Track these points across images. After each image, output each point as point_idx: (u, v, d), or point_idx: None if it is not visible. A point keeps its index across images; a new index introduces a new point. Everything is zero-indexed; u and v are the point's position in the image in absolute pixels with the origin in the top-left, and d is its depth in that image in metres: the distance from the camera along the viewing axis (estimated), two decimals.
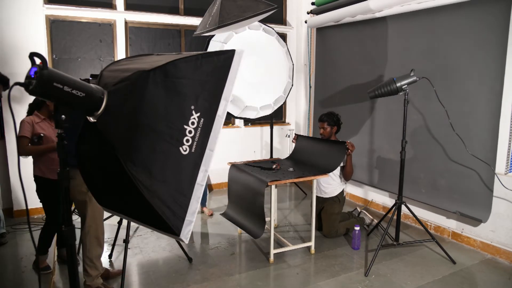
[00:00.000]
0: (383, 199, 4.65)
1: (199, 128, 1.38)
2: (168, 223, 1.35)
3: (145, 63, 1.44)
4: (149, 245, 3.61)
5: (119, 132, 1.32)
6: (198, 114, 1.38)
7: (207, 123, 1.40)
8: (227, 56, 1.43)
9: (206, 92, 1.41)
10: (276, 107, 5.31)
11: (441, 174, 3.75)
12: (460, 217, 3.68)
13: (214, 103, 1.41)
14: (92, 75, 3.42)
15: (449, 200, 3.68)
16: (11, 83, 2.92)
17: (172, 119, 1.35)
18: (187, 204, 1.38)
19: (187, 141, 1.36)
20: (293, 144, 4.11)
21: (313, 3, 5.40)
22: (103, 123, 1.32)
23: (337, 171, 3.77)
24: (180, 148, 1.36)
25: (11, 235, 3.87)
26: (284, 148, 6.16)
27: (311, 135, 5.89)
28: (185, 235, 1.39)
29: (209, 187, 5.62)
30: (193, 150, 1.38)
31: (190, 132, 1.36)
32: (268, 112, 5.25)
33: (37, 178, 2.91)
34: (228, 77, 1.43)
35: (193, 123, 1.37)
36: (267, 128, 5.80)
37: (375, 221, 3.98)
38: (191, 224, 1.39)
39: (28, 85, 1.14)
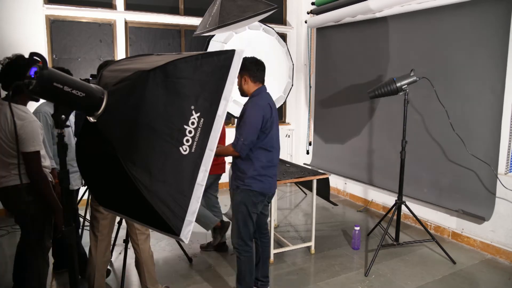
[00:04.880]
0: (383, 199, 4.65)
1: (199, 128, 1.38)
2: (168, 223, 1.35)
3: (145, 63, 1.44)
4: None
5: (119, 132, 1.32)
6: (198, 114, 1.38)
7: (207, 123, 1.39)
8: (227, 56, 1.43)
9: (206, 92, 1.40)
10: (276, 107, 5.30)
11: (443, 173, 3.75)
12: (460, 217, 3.68)
13: (214, 103, 1.41)
14: (92, 75, 3.41)
15: (451, 199, 3.68)
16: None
17: (172, 119, 1.35)
18: (187, 204, 1.38)
19: (187, 141, 1.36)
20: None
21: (313, 3, 5.40)
22: (103, 123, 1.32)
23: None
24: (180, 148, 1.35)
25: (11, 235, 3.88)
26: (284, 148, 6.16)
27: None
28: (185, 235, 1.38)
29: None
30: (193, 150, 1.37)
31: (190, 132, 1.36)
32: None
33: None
34: (228, 77, 1.42)
35: (193, 123, 1.37)
36: None
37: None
38: (191, 224, 1.39)
39: (28, 85, 1.14)
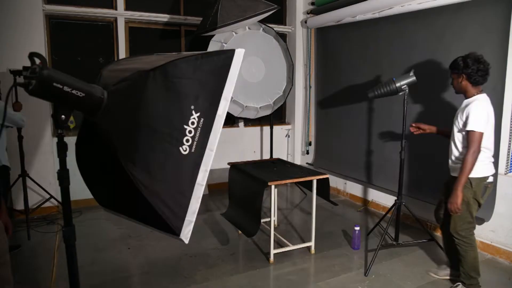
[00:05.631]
0: (383, 199, 4.65)
1: (199, 128, 1.38)
2: (168, 223, 1.35)
3: (145, 63, 1.44)
4: (149, 245, 3.61)
5: (119, 132, 1.32)
6: (198, 114, 1.38)
7: (207, 123, 1.40)
8: (227, 56, 1.43)
9: (206, 92, 1.40)
10: (276, 107, 5.31)
11: (443, 173, 3.74)
12: None
13: (214, 103, 1.41)
14: (24, 67, 3.14)
15: None
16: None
17: (172, 119, 1.35)
18: (187, 204, 1.38)
19: (187, 141, 1.36)
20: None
21: (313, 3, 5.40)
22: (103, 123, 1.32)
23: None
24: (180, 148, 1.36)
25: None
26: (284, 148, 6.16)
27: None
28: (185, 235, 1.38)
29: (209, 187, 5.61)
30: (193, 150, 1.38)
31: (190, 132, 1.36)
32: (268, 112, 5.25)
33: None
34: (228, 77, 1.42)
35: (193, 123, 1.37)
36: (267, 128, 5.80)
37: None
38: (191, 224, 1.39)
39: (27, 85, 1.14)
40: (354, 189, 5.13)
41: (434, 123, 3.81)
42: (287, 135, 6.14)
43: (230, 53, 1.43)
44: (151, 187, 1.32)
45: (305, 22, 5.60)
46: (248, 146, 5.84)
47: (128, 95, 1.32)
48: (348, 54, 4.96)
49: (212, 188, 5.55)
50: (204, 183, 1.41)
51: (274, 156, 5.43)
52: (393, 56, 4.27)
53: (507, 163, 3.29)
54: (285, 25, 6.05)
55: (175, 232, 1.37)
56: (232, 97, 4.92)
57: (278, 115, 6.13)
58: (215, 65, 1.42)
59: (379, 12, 4.25)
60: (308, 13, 5.57)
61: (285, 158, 6.15)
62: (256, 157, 5.86)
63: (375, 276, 3.04)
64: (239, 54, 1.43)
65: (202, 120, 1.38)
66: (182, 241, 1.37)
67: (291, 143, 6.13)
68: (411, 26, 4.01)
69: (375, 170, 4.61)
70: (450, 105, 3.55)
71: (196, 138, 1.38)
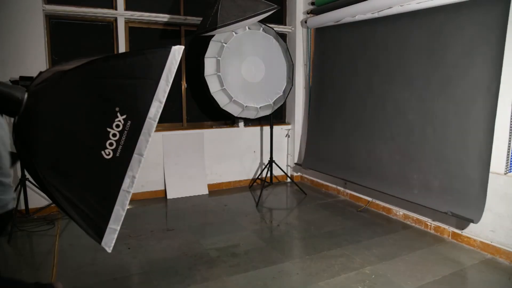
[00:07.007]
0: (383, 199, 4.64)
1: (125, 131, 1.29)
2: (87, 232, 1.30)
3: (70, 64, 1.37)
4: (149, 245, 3.61)
5: (35, 132, 1.26)
6: (125, 116, 1.29)
7: (135, 126, 1.30)
8: (161, 54, 1.33)
9: (134, 93, 1.31)
10: (276, 107, 5.31)
11: (434, 174, 3.74)
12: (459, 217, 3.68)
13: (144, 105, 1.31)
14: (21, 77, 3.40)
15: (442, 200, 3.66)
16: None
17: (92, 121, 1.28)
18: (110, 211, 1.30)
19: (111, 144, 1.28)
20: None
21: (313, 3, 5.40)
22: (22, 124, 1.26)
23: None
24: (102, 152, 1.28)
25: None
26: (284, 148, 6.16)
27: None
28: (107, 244, 1.31)
29: (209, 187, 5.61)
30: (117, 155, 1.30)
31: (114, 135, 1.28)
32: (268, 112, 5.25)
33: None
34: (162, 76, 1.31)
35: (118, 126, 1.28)
36: (267, 128, 5.80)
37: None
38: (116, 232, 1.31)
39: None
40: (355, 189, 5.12)
41: (428, 123, 3.82)
42: (287, 135, 6.14)
43: (165, 52, 1.34)
44: (67, 193, 1.25)
45: (305, 22, 5.60)
46: (248, 146, 5.84)
47: (46, 96, 1.26)
48: (348, 54, 4.96)
49: (211, 189, 5.56)
50: (131, 190, 1.32)
51: (274, 157, 5.42)
52: (391, 55, 4.27)
53: (507, 163, 3.29)
54: (285, 25, 6.05)
55: (97, 240, 1.30)
56: (232, 97, 4.94)
57: (278, 115, 6.13)
58: (147, 64, 1.32)
59: (378, 12, 4.25)
60: (308, 13, 5.57)
61: (285, 158, 6.16)
62: (256, 157, 5.86)
63: (375, 276, 3.04)
64: (176, 52, 1.33)
65: (129, 122, 1.29)
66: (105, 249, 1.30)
67: (291, 143, 6.13)
68: (410, 26, 4.01)
69: (374, 169, 4.60)
70: (447, 104, 3.56)
71: (122, 142, 1.29)
